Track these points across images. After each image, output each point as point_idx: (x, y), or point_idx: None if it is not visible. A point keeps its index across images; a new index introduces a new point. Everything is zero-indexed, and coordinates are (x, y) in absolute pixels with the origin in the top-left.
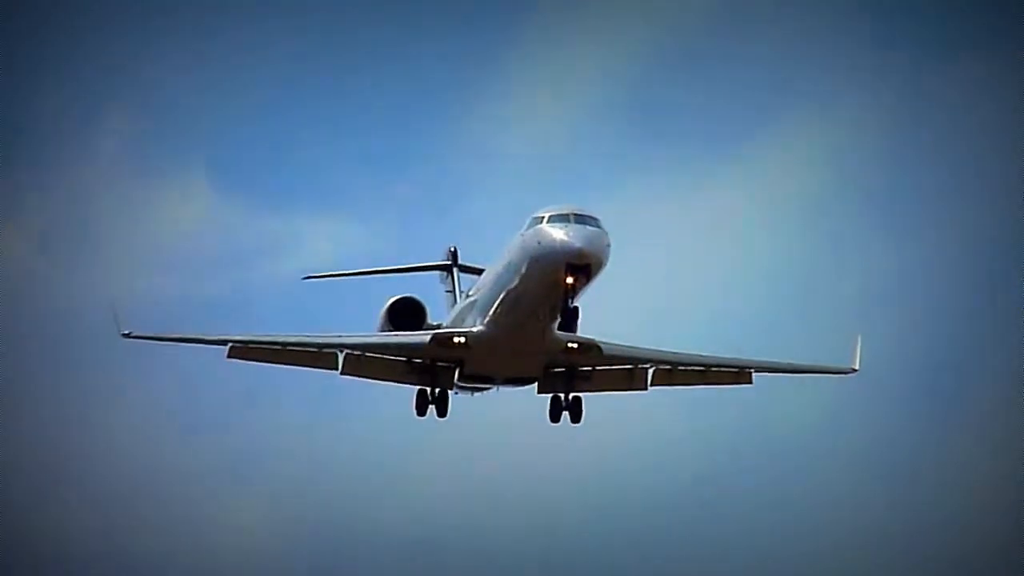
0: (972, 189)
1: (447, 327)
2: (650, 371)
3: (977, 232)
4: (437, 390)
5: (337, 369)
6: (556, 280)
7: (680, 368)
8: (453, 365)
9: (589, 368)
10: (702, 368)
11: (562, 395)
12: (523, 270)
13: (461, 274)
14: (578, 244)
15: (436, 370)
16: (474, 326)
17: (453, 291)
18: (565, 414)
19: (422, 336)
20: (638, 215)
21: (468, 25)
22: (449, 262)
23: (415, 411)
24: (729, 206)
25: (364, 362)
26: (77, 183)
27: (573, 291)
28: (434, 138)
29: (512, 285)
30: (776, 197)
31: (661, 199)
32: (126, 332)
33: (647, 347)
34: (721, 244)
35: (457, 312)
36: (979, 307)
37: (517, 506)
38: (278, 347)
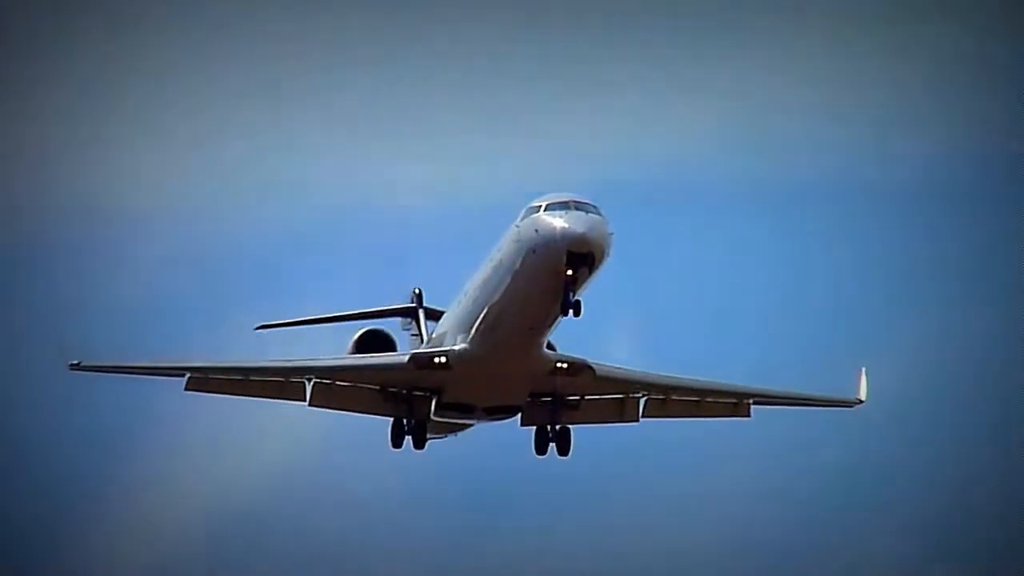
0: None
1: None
2: (642, 401)
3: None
4: (413, 420)
5: (305, 400)
6: (556, 271)
7: (675, 398)
8: (430, 393)
9: (578, 396)
10: (697, 399)
11: (548, 426)
12: (518, 265)
13: (427, 319)
14: (580, 230)
15: (412, 400)
16: (456, 344)
17: (420, 335)
18: (552, 446)
19: (400, 357)
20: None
21: None
22: (414, 304)
23: (390, 443)
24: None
25: (335, 391)
26: None
27: (574, 283)
28: None
29: (503, 288)
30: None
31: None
32: (75, 363)
33: (641, 371)
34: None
35: (436, 334)
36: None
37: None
38: (241, 376)
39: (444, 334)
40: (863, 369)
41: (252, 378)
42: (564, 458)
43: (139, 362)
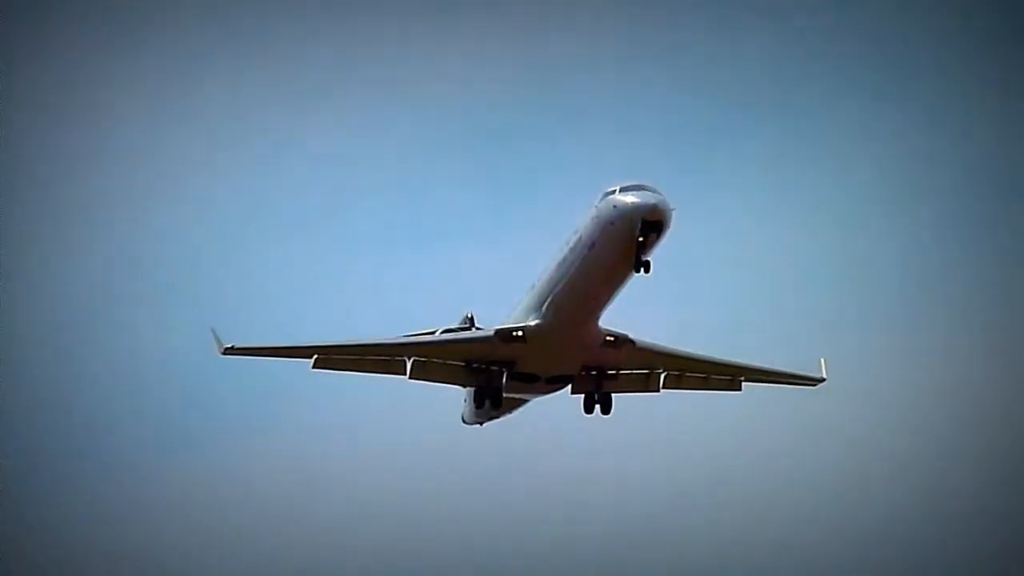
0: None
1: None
2: (662, 376)
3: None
4: (491, 388)
5: (405, 375)
6: (631, 236)
7: (688, 374)
8: (504, 366)
9: (615, 371)
10: (704, 375)
11: (593, 393)
12: (597, 237)
13: None
14: (652, 201)
15: (490, 372)
16: (530, 321)
17: None
18: (597, 408)
19: (486, 332)
20: None
21: None
22: (466, 326)
23: (473, 404)
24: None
25: (429, 366)
26: None
27: (644, 247)
28: None
29: (579, 263)
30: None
31: None
32: (228, 346)
33: (666, 344)
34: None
35: (511, 319)
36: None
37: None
38: (357, 355)
39: (517, 318)
40: (822, 359)
41: (367, 356)
42: (606, 416)
43: (277, 344)
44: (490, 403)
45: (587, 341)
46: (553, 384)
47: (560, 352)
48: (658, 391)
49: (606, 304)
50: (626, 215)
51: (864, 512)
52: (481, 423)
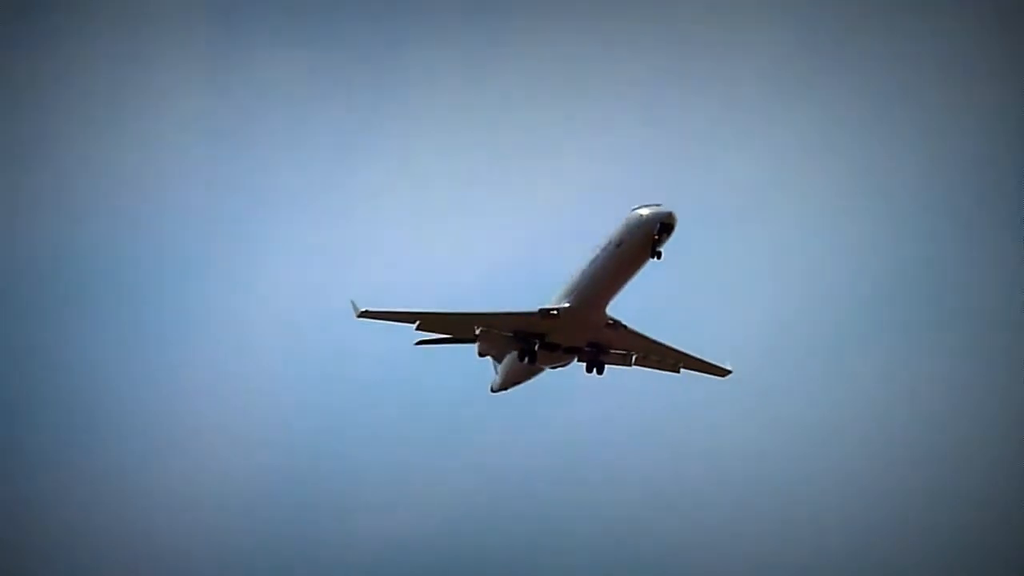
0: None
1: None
2: (634, 356)
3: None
4: (529, 351)
5: (474, 340)
6: (651, 234)
7: (649, 356)
8: (538, 338)
9: (607, 349)
10: (658, 358)
11: (592, 362)
12: (625, 236)
13: None
14: (668, 210)
15: (529, 341)
16: (563, 304)
17: None
18: (595, 372)
19: (532, 309)
20: None
21: None
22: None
23: (518, 359)
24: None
25: (491, 336)
26: None
27: (659, 241)
28: None
29: (604, 260)
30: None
31: None
32: (363, 311)
33: (641, 331)
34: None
35: (552, 301)
36: None
37: None
38: (450, 322)
39: (554, 303)
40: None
41: (454, 323)
42: (600, 376)
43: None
44: (528, 359)
45: (597, 321)
46: (567, 354)
47: (579, 328)
48: (630, 366)
49: (617, 291)
50: (650, 219)
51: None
52: (507, 389)
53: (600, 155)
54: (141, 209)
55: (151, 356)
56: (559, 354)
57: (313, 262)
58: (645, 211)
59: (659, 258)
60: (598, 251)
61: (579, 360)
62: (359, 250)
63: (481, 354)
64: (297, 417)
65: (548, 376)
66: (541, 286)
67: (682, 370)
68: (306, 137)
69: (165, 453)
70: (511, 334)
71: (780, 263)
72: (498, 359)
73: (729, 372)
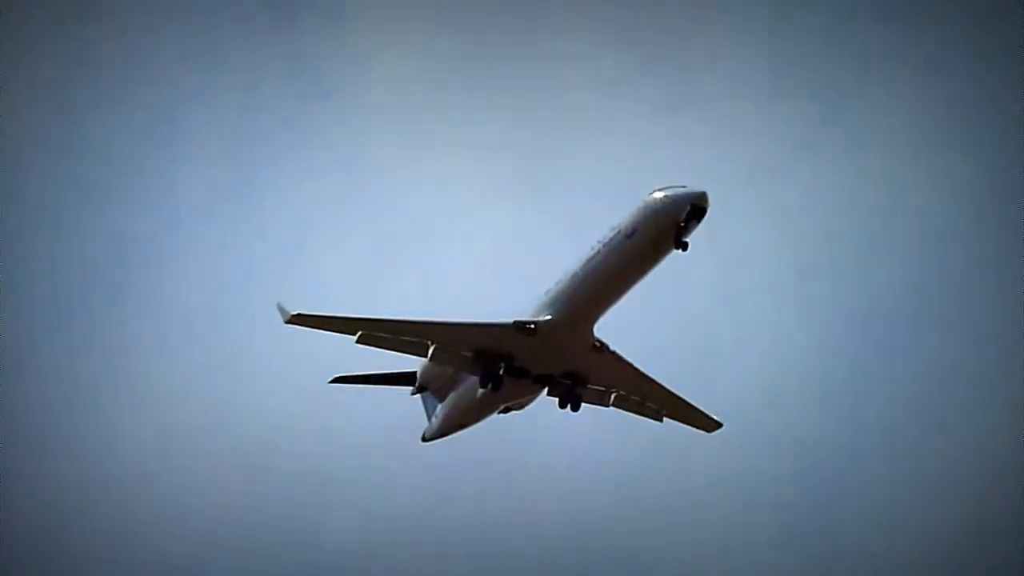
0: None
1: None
2: (613, 395)
3: None
4: (492, 376)
5: (427, 356)
6: (676, 217)
7: (631, 396)
8: (505, 360)
9: (583, 383)
10: (639, 400)
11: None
12: (640, 224)
13: None
14: (702, 190)
15: (493, 363)
16: (544, 316)
17: None
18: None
19: (505, 320)
20: None
21: None
22: None
23: (480, 385)
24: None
25: (447, 352)
26: None
27: (686, 230)
28: None
29: (611, 254)
30: None
31: None
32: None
33: (630, 360)
34: None
35: (532, 313)
36: None
37: None
38: (392, 333)
39: (532, 316)
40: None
41: (401, 335)
42: (575, 412)
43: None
44: (491, 386)
45: (583, 340)
46: (536, 385)
47: (558, 349)
48: (607, 406)
49: (617, 298)
50: (679, 200)
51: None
52: (444, 435)
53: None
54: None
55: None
56: (526, 384)
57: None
58: (674, 190)
59: (684, 250)
60: (597, 247)
61: (550, 394)
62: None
63: (421, 388)
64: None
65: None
66: (512, 304)
67: (665, 420)
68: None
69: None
70: (472, 353)
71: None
72: (440, 395)
73: (720, 426)
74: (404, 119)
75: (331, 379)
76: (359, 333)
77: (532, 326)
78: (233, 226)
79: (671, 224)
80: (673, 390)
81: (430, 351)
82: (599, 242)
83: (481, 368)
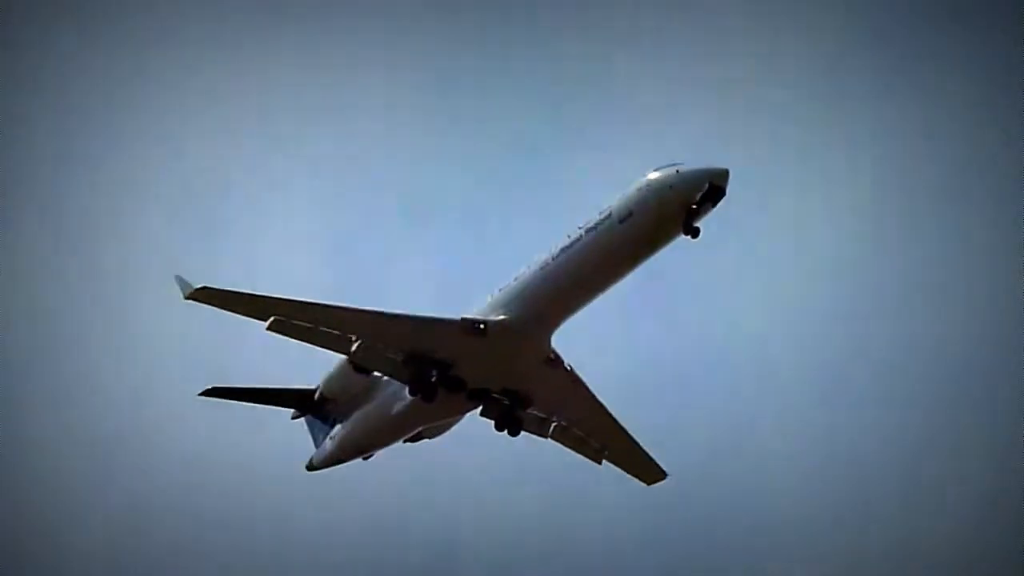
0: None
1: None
2: (553, 425)
3: None
4: (422, 383)
5: (348, 354)
6: (689, 197)
7: (572, 430)
8: (440, 368)
9: (530, 400)
10: (582, 436)
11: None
12: (639, 205)
13: None
14: (724, 168)
15: (426, 369)
16: (497, 315)
17: None
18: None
19: (452, 316)
20: None
21: None
22: None
23: (408, 395)
24: None
25: (374, 351)
26: None
27: (698, 213)
28: None
29: (596, 242)
30: None
31: None
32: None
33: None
34: None
35: (480, 313)
36: None
37: None
38: (311, 322)
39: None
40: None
41: (320, 326)
42: (514, 437)
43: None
44: (423, 395)
45: (536, 350)
46: (470, 401)
47: (506, 359)
48: (546, 437)
49: (591, 297)
50: (697, 177)
51: None
52: (338, 462)
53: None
54: None
55: None
56: (458, 400)
57: None
58: (681, 168)
59: (695, 236)
60: (578, 233)
61: (485, 415)
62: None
63: (317, 403)
64: None
65: None
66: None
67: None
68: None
69: None
70: (404, 355)
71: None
72: (342, 412)
73: (662, 478)
74: None
75: (202, 391)
76: (272, 319)
77: (482, 326)
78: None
79: (682, 204)
80: (625, 427)
81: (353, 347)
82: (580, 228)
83: (410, 374)
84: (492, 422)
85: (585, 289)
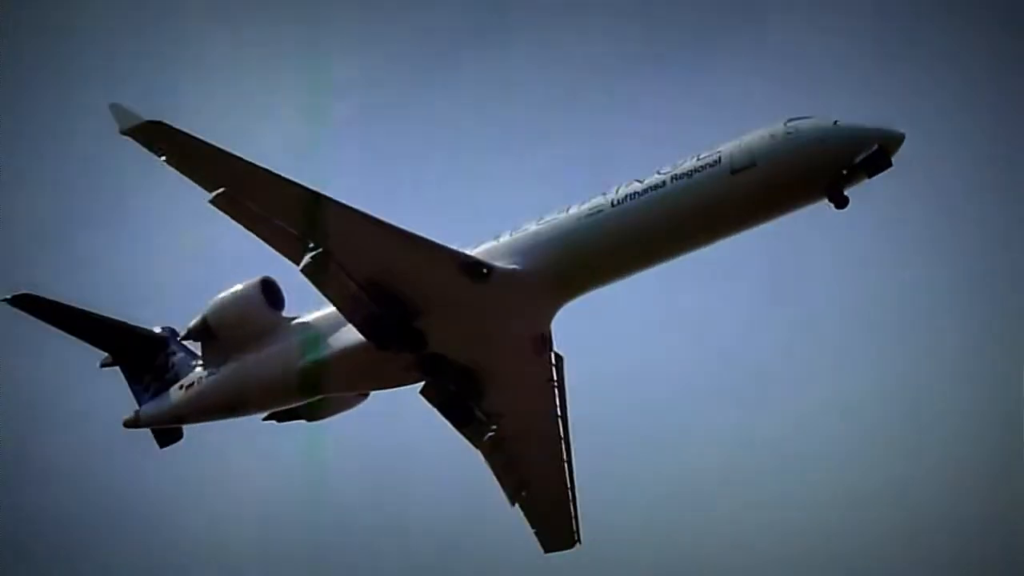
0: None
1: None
2: (489, 433)
3: None
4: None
5: (299, 263)
6: (847, 157)
7: (509, 448)
8: (406, 315)
9: (484, 389)
10: (512, 461)
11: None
12: (774, 157)
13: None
14: (901, 131)
15: (391, 313)
16: (507, 263)
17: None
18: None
19: (447, 246)
20: None
21: None
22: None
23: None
24: None
25: (331, 270)
26: None
27: (848, 179)
28: None
29: (687, 191)
30: None
31: None
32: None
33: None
34: None
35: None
36: None
37: None
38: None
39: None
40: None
41: (278, 218)
42: (463, 427)
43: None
44: (381, 340)
45: (537, 317)
46: (417, 368)
47: (495, 321)
48: (477, 447)
49: (643, 266)
50: (862, 136)
51: None
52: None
53: None
54: None
55: None
56: (403, 364)
57: None
58: (844, 122)
59: (842, 207)
60: (658, 180)
61: (424, 393)
62: None
63: (187, 336)
64: None
65: None
66: None
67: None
68: None
69: None
70: (366, 282)
71: None
72: (223, 353)
73: (573, 546)
74: None
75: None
76: (221, 189)
77: (486, 271)
78: None
79: (833, 164)
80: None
81: (307, 256)
82: (661, 172)
83: (363, 311)
84: (433, 406)
85: (649, 252)
